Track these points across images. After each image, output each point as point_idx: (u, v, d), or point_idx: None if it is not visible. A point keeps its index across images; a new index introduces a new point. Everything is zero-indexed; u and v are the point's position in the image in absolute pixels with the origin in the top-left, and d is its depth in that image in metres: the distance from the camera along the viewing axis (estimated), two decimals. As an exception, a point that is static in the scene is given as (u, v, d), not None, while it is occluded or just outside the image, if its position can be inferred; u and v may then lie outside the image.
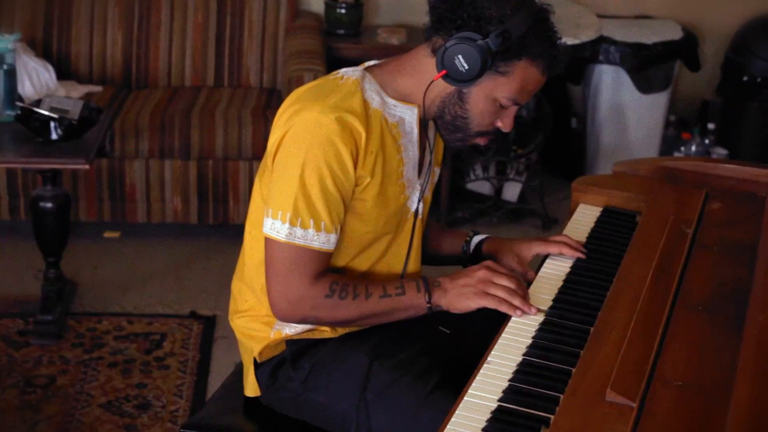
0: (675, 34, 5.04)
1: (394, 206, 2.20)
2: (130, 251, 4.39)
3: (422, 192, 2.26)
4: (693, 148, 5.23)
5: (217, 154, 4.35)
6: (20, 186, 4.30)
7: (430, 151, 2.28)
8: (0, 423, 3.19)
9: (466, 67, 2.07)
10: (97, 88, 4.64)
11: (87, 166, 3.38)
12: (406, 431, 2.08)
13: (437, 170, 2.38)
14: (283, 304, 2.11)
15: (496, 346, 2.01)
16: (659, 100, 5.11)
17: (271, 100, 4.64)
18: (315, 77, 4.26)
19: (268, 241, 2.11)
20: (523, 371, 1.92)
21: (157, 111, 4.43)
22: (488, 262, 2.16)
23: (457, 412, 1.80)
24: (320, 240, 2.09)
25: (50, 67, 4.49)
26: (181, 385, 3.42)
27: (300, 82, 4.26)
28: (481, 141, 2.22)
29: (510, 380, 1.89)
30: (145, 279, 4.16)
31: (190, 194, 4.38)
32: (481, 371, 1.93)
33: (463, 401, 1.83)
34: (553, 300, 2.16)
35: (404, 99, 2.19)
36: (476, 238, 2.44)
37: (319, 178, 2.06)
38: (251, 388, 2.27)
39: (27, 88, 4.31)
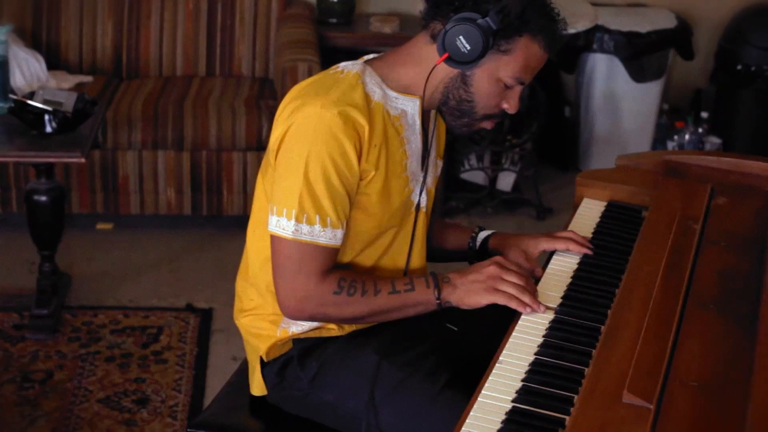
0: (669, 22, 5.03)
1: (398, 200, 2.18)
2: (123, 243, 4.36)
3: (424, 184, 2.23)
4: (686, 136, 5.22)
5: (211, 145, 4.32)
6: (12, 178, 4.27)
7: (430, 140, 2.26)
8: (-2, 419, 3.18)
9: (468, 48, 2.05)
10: (88, 78, 4.61)
11: (83, 160, 3.35)
12: (416, 430, 2.07)
13: (440, 163, 2.36)
14: (292, 302, 2.09)
15: (507, 345, 1.99)
16: (653, 89, 5.10)
17: (264, 90, 4.61)
18: (309, 67, 4.24)
19: (274, 239, 2.09)
20: (536, 371, 1.91)
21: (149, 101, 4.39)
22: (498, 258, 2.14)
23: (471, 413, 1.79)
24: (327, 236, 2.07)
25: (41, 58, 4.45)
26: (180, 380, 3.40)
27: (294, 73, 4.23)
28: (487, 125, 2.20)
29: (523, 380, 1.88)
30: (140, 271, 4.13)
31: (184, 185, 4.35)
32: (493, 371, 1.91)
33: (476, 402, 1.82)
34: (562, 297, 2.15)
35: (406, 90, 2.17)
36: (482, 234, 2.42)
37: (323, 173, 2.04)
38: (258, 387, 2.25)
39: (18, 79, 4.27)
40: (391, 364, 2.13)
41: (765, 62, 5.00)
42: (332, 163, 2.04)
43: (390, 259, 2.24)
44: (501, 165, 4.79)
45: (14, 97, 3.46)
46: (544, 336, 2.01)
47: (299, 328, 2.20)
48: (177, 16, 4.77)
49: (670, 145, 5.27)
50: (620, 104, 5.08)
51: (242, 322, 2.29)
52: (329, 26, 4.90)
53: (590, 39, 4.94)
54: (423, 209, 2.26)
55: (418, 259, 2.29)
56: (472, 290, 2.11)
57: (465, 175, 4.84)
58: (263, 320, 2.23)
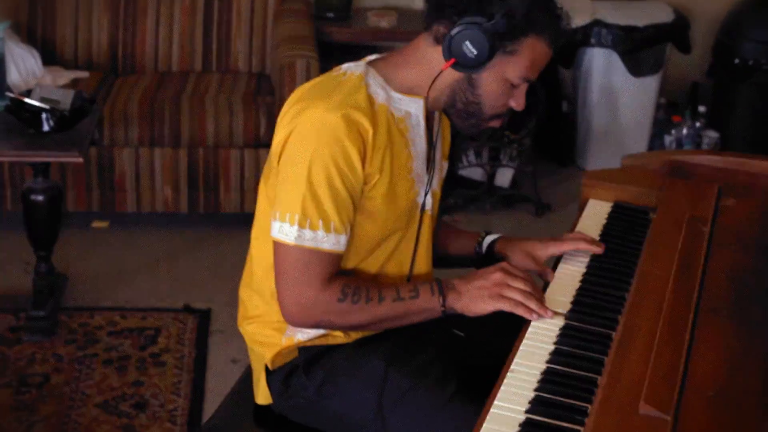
0: (666, 16, 5.00)
1: (404, 203, 2.15)
2: (119, 242, 4.32)
3: (429, 186, 2.20)
4: (684, 131, 5.20)
5: (208, 142, 4.28)
6: (7, 176, 4.22)
7: (434, 142, 2.23)
8: (-5, 423, 3.14)
9: (475, 53, 2.02)
10: (84, 74, 4.56)
11: (80, 159, 3.31)
12: (425, 439, 2.04)
13: (445, 164, 2.33)
14: (295, 310, 2.06)
15: (518, 353, 1.96)
16: (650, 83, 5.07)
17: (261, 86, 4.57)
18: (307, 63, 4.20)
19: (277, 245, 2.05)
20: (549, 380, 1.88)
21: (145, 98, 4.35)
22: (503, 264, 2.11)
23: (484, 425, 1.75)
24: (330, 241, 2.04)
25: (36, 54, 4.41)
26: (179, 383, 3.36)
27: (292, 69, 4.19)
28: (495, 123, 2.17)
29: (536, 390, 1.85)
30: (136, 271, 4.09)
31: (181, 183, 4.31)
32: (505, 380, 1.88)
33: (489, 413, 1.78)
34: (572, 303, 2.12)
35: (409, 92, 2.13)
36: (488, 238, 2.39)
37: (326, 177, 2.01)
38: (263, 395, 2.22)
39: (13, 75, 4.23)
40: (399, 372, 2.10)
41: (763, 56, 4.97)
42: (336, 167, 2.01)
43: (395, 264, 2.21)
44: (499, 161, 4.75)
45: (11, 95, 3.41)
46: (555, 343, 1.99)
47: (305, 335, 2.16)
48: (173, 11, 4.72)
49: (668, 139, 5.24)
50: (618, 99, 5.05)
51: (247, 329, 2.25)
52: (326, 21, 4.86)
53: (588, 33, 4.91)
54: (428, 212, 2.22)
55: (423, 264, 2.26)
56: (477, 297, 2.07)
57: (463, 172, 4.80)
58: (268, 328, 2.20)
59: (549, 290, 2.17)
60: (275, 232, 2.04)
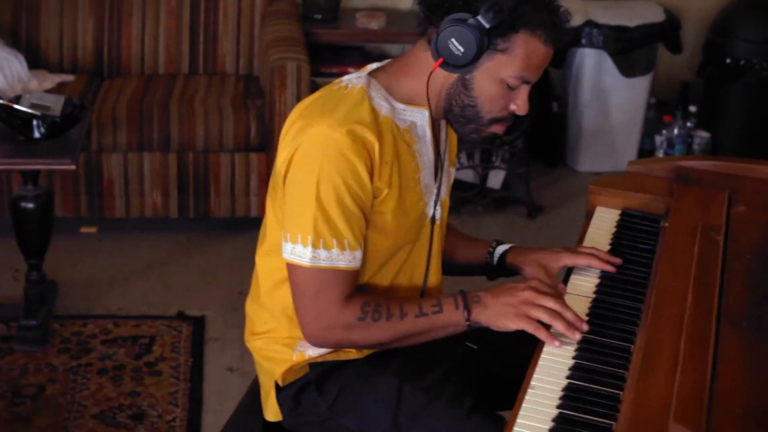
0: (657, 16, 4.98)
1: (413, 215, 2.11)
2: (108, 247, 4.26)
3: (438, 196, 2.16)
4: (675, 131, 5.19)
5: (198, 146, 4.23)
6: (-6, 182, 4.16)
7: (442, 151, 2.19)
8: (-11, 436, 3.09)
9: (462, 50, 1.95)
10: (69, 78, 4.50)
11: (73, 167, 3.25)
12: (444, 456, 2.01)
13: (452, 170, 2.29)
14: (317, 331, 2.02)
15: (537, 369, 1.93)
16: (641, 83, 5.05)
17: (250, 88, 4.52)
18: (298, 66, 4.15)
19: (292, 267, 2.01)
20: (570, 396, 1.84)
21: (133, 101, 4.29)
22: (534, 282, 2.05)
23: (509, 445, 1.72)
24: (346, 259, 2.00)
25: (21, 57, 4.34)
26: (176, 393, 3.31)
27: (283, 72, 4.15)
28: (497, 129, 2.10)
29: (558, 407, 1.81)
30: (128, 277, 4.03)
31: (170, 188, 4.26)
32: (526, 397, 1.85)
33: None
34: (588, 315, 2.09)
35: (412, 101, 2.09)
36: (500, 249, 2.35)
37: (336, 195, 1.96)
38: (272, 412, 2.17)
39: (-1, 80, 4.17)
40: (414, 388, 2.06)
41: (755, 56, 4.96)
42: (344, 184, 1.96)
43: (405, 277, 2.17)
44: (491, 163, 4.72)
45: (1, 101, 3.35)
46: (574, 358, 1.95)
47: (316, 351, 2.12)
48: (159, 14, 4.66)
49: (659, 139, 5.23)
50: (609, 99, 5.03)
51: (255, 345, 2.20)
52: (314, 22, 4.81)
53: (578, 34, 4.88)
54: (438, 222, 2.18)
55: (434, 275, 2.22)
56: (503, 314, 2.02)
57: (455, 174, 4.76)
58: (277, 343, 2.15)
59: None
60: (288, 254, 2.00)
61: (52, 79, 4.42)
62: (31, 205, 3.48)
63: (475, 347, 2.23)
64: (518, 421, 1.78)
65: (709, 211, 2.40)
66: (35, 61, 4.55)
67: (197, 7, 4.69)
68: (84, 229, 4.37)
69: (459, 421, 2.00)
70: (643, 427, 1.69)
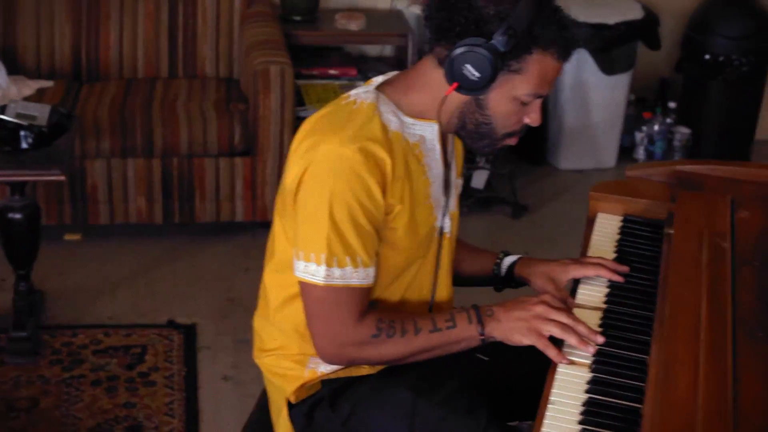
0: (636, 13, 4.99)
1: (424, 230, 2.10)
2: (93, 255, 4.22)
3: (447, 208, 2.15)
4: (655, 127, 5.21)
5: (182, 151, 4.19)
6: (-24, 191, 4.11)
7: (450, 163, 2.18)
8: (-16, 452, 3.05)
9: (477, 75, 1.95)
10: (48, 83, 4.44)
11: (63, 177, 3.21)
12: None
13: (459, 181, 2.28)
14: (331, 349, 2.02)
15: (555, 384, 1.93)
16: (621, 81, 5.07)
17: (232, 92, 4.49)
18: (281, 70, 4.13)
19: (305, 286, 2.00)
20: (592, 411, 1.85)
21: (115, 107, 4.25)
22: (547, 297, 2.04)
23: (535, 463, 1.72)
24: (360, 276, 1.99)
25: (0, 64, 4.28)
26: (171, 403, 3.29)
27: (266, 76, 4.12)
28: (510, 141, 2.11)
29: (580, 422, 1.82)
30: (115, 285, 4.00)
31: (155, 193, 4.22)
32: (547, 414, 1.85)
33: (538, 451, 1.75)
34: (600, 326, 2.09)
35: (421, 116, 2.07)
36: (507, 260, 2.35)
37: (349, 213, 1.95)
38: (284, 429, 2.15)
39: (-22, 87, 4.12)
40: (428, 402, 2.06)
41: (733, 52, 4.98)
42: (357, 201, 1.95)
43: (416, 291, 2.17)
44: (475, 163, 4.71)
45: (-14, 112, 3.31)
46: (591, 371, 1.96)
47: (328, 368, 2.11)
48: (137, 17, 4.61)
49: (639, 136, 5.25)
50: (589, 97, 5.03)
51: (264, 361, 2.19)
52: (294, 24, 4.78)
53: (559, 32, 4.86)
54: (447, 234, 2.17)
55: (445, 288, 2.22)
56: (516, 329, 2.02)
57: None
58: (288, 360, 2.14)
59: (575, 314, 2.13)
60: (300, 272, 1.99)
61: (30, 86, 4.37)
62: (18, 216, 3.43)
63: (487, 359, 2.22)
64: (542, 438, 1.78)
65: (714, 217, 2.40)
66: (12, 67, 4.49)
67: (175, 10, 4.64)
68: (68, 236, 4.32)
69: (476, 435, 2.00)
70: (670, 443, 1.69)
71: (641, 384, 1.91)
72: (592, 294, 2.22)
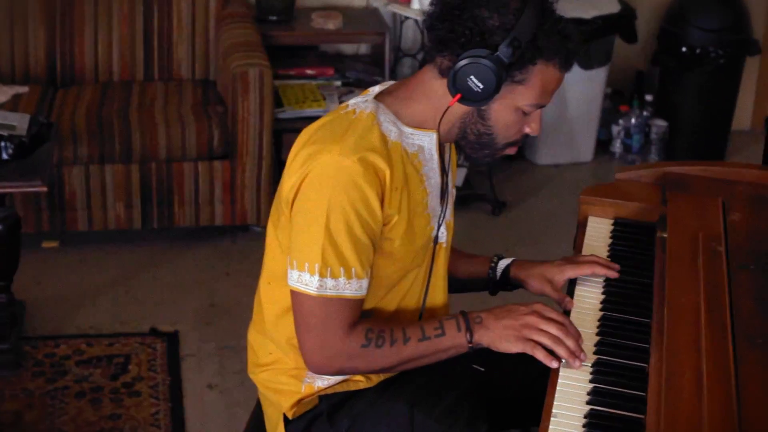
0: (612, 7, 4.98)
1: (421, 240, 2.08)
2: (72, 262, 4.17)
3: (442, 217, 2.13)
4: (632, 120, 5.21)
5: (160, 156, 4.15)
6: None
7: (446, 173, 2.16)
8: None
9: (481, 87, 1.94)
10: (24, 89, 4.38)
11: (45, 189, 3.17)
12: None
13: (454, 191, 2.27)
14: (318, 359, 1.99)
15: (556, 395, 1.91)
16: (598, 75, 5.06)
17: (209, 94, 4.44)
18: (260, 72, 4.10)
19: (297, 295, 1.97)
20: (594, 423, 1.83)
21: (92, 112, 4.20)
22: (538, 306, 2.03)
23: (540, 479, 1.70)
24: (352, 288, 1.97)
25: (-25, 71, 4.24)
26: (157, 413, 3.25)
27: (245, 78, 4.09)
28: (510, 151, 2.11)
29: (584, 436, 1.80)
30: (95, 293, 3.95)
31: (133, 199, 4.18)
32: (551, 426, 1.83)
33: (543, 465, 1.73)
34: (598, 335, 2.09)
35: (420, 126, 2.06)
36: (502, 263, 2.33)
37: (346, 224, 1.93)
38: (282, 445, 2.13)
39: (-47, 95, 4.06)
40: (427, 416, 2.05)
41: (710, 44, 4.98)
42: (355, 213, 1.93)
43: (412, 301, 2.15)
44: (455, 161, 4.69)
45: (-36, 124, 3.25)
46: (591, 381, 1.94)
47: (325, 382, 2.09)
48: (112, 20, 4.56)
49: (615, 129, 5.25)
50: (567, 91, 5.02)
51: (260, 377, 2.16)
52: (270, 24, 4.74)
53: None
54: (443, 244, 2.15)
55: (439, 297, 2.20)
56: (505, 336, 2.01)
57: (417, 172, 4.73)
58: (284, 375, 2.12)
59: (572, 319, 2.11)
60: (294, 282, 1.96)
61: (5, 92, 4.31)
62: (-1, 227, 3.39)
63: (483, 369, 2.21)
64: (547, 452, 1.76)
65: (706, 220, 2.40)
66: (-14, 73, 4.45)
67: (150, 13, 4.59)
68: (46, 244, 4.27)
69: (476, 449, 1.99)
70: (677, 456, 1.68)
71: (642, 393, 1.90)
72: (588, 295, 2.22)
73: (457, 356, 2.07)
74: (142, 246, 4.29)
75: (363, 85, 4.75)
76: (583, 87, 5.02)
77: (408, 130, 2.04)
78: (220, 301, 3.92)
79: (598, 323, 2.13)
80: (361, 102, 2.05)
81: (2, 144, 3.20)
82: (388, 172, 1.96)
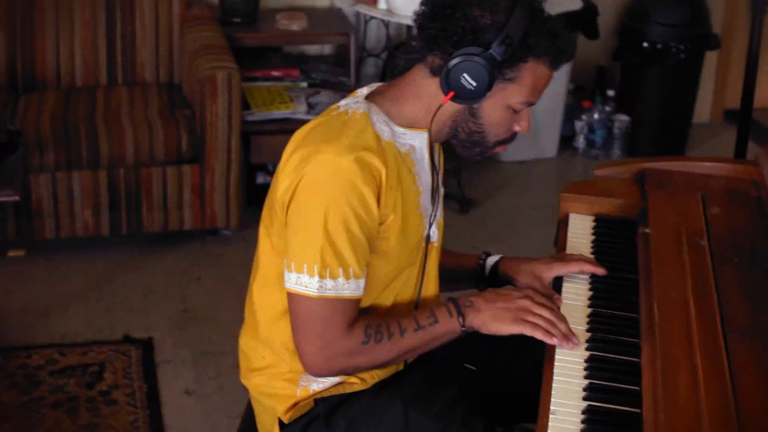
0: (575, 4, 5.00)
1: (414, 239, 2.09)
2: (40, 271, 4.12)
3: (433, 216, 2.14)
4: (595, 115, 5.25)
5: (128, 161, 4.11)
6: None
7: (437, 172, 2.17)
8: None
9: (474, 84, 1.96)
10: (-16, 96, 4.34)
11: (17, 198, 3.14)
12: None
13: (442, 190, 2.27)
14: (320, 361, 1.99)
15: (553, 392, 1.92)
16: (561, 71, 5.02)
17: (175, 98, 4.41)
18: (228, 75, 4.08)
19: (296, 297, 1.96)
20: (593, 420, 1.84)
21: (56, 118, 4.16)
22: (530, 292, 2.09)
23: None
24: (351, 287, 1.97)
25: (-65, 79, 4.18)
26: (136, 422, 3.23)
27: (213, 82, 4.07)
28: (500, 149, 2.13)
29: (583, 431, 1.81)
30: (66, 301, 3.91)
31: (101, 205, 4.14)
32: (550, 424, 1.84)
33: (544, 463, 1.74)
34: (588, 331, 2.10)
35: (411, 125, 2.07)
36: (490, 260, 2.36)
37: (344, 225, 1.93)
38: (277, 450, 2.12)
39: None
40: (424, 416, 2.05)
41: (671, 39, 5.03)
42: (353, 213, 1.93)
43: (405, 297, 2.16)
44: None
45: (-68, 133, 3.21)
46: (586, 378, 1.96)
47: (320, 385, 2.08)
48: (74, 25, 4.51)
49: (579, 125, 5.28)
50: (530, 88, 5.03)
51: (252, 382, 2.15)
52: (234, 26, 4.71)
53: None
54: (434, 243, 2.16)
55: (432, 294, 2.21)
56: (499, 317, 2.04)
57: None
58: (278, 379, 2.11)
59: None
60: (292, 284, 1.95)
61: (-32, 99, 4.27)
62: (-32, 237, 3.35)
63: (474, 368, 2.22)
64: (547, 450, 1.77)
65: (687, 215, 2.42)
66: (-55, 81, 4.39)
67: (113, 16, 4.55)
68: (12, 253, 4.22)
69: (474, 446, 1.99)
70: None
71: (637, 388, 1.91)
72: (576, 291, 2.24)
73: (450, 356, 2.08)
74: (111, 253, 4.26)
75: (329, 86, 4.74)
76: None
77: (400, 130, 2.05)
78: (193, 306, 3.90)
79: (587, 319, 2.14)
80: (353, 103, 2.05)
81: (-28, 153, 3.16)
82: (383, 172, 1.97)
